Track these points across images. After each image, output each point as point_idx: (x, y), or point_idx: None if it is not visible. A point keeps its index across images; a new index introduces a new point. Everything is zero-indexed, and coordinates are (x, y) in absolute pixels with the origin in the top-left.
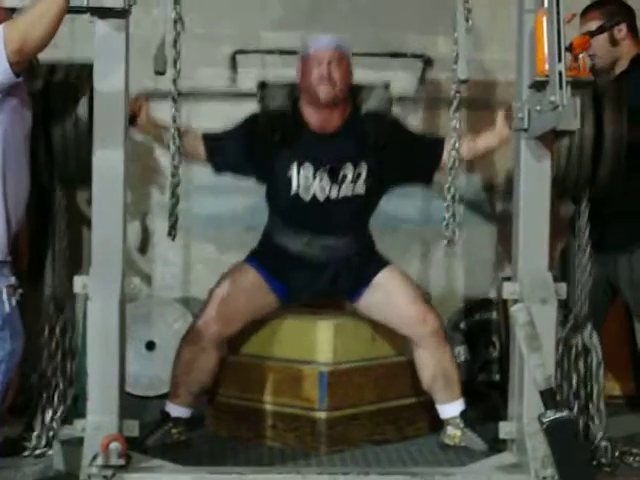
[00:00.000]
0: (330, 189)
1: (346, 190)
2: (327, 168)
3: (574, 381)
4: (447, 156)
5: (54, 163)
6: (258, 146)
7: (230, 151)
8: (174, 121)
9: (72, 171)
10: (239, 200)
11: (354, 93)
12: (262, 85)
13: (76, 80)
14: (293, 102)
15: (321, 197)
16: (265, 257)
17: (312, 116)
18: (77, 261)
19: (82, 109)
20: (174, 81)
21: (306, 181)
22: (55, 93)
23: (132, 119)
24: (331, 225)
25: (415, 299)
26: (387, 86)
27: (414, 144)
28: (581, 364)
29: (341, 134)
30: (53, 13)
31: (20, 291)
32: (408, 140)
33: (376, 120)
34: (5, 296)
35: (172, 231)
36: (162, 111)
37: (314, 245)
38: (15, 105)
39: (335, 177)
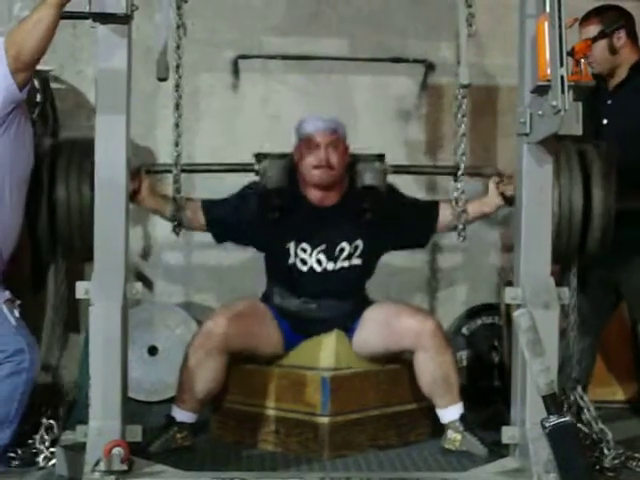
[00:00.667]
0: (327, 262)
1: (343, 262)
2: (324, 248)
3: None
4: (445, 219)
5: (57, 238)
6: (256, 218)
7: (229, 223)
8: (177, 127)
9: (76, 247)
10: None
11: (350, 166)
12: (259, 157)
13: (79, 157)
14: (291, 174)
15: (318, 269)
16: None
17: (310, 193)
18: (79, 267)
19: (85, 185)
20: (177, 87)
21: (303, 255)
22: (59, 172)
23: (132, 195)
24: (328, 290)
25: (409, 311)
26: (382, 157)
27: (410, 212)
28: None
29: (338, 210)
30: (46, 21)
31: (19, 302)
32: (404, 209)
33: (372, 194)
34: (6, 311)
35: (176, 228)
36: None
37: (311, 304)
38: (16, 136)
39: (332, 254)
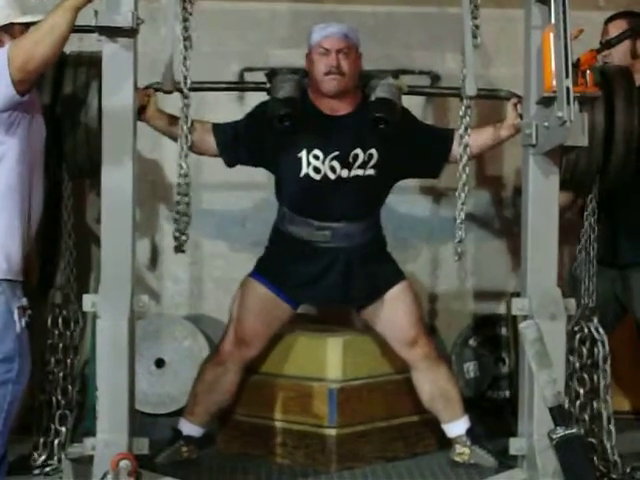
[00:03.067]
0: (341, 170)
1: (357, 171)
2: (337, 154)
3: (577, 373)
4: (457, 149)
5: (63, 153)
6: (268, 134)
7: (241, 144)
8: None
9: (81, 161)
10: (249, 216)
11: (363, 81)
12: (271, 74)
13: (86, 70)
14: (303, 89)
15: (332, 177)
16: (272, 265)
17: (322, 103)
18: (86, 279)
19: (92, 99)
20: (185, 96)
21: (316, 163)
22: (65, 84)
23: (140, 111)
24: (342, 207)
25: (413, 322)
26: (396, 76)
27: (423, 136)
28: (585, 352)
29: (351, 119)
30: (59, 32)
31: (29, 312)
32: (418, 131)
33: (386, 107)
34: (16, 316)
35: (179, 246)
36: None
37: (324, 230)
38: (30, 121)
39: (345, 160)
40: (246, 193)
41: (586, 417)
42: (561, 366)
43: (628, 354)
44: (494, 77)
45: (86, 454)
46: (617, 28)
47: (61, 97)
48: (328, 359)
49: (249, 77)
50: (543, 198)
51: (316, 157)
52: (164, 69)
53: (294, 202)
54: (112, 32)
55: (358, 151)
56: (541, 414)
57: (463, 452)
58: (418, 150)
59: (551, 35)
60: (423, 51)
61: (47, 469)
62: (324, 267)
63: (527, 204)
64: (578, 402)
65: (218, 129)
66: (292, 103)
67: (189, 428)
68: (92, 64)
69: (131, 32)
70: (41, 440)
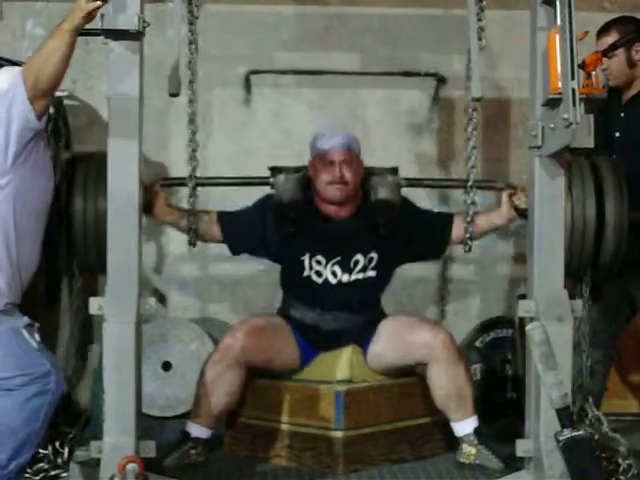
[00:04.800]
0: (342, 274)
1: (357, 275)
2: (338, 259)
3: None
4: (460, 232)
5: (74, 253)
6: (271, 231)
7: (245, 235)
8: (191, 142)
9: (92, 261)
10: None
11: (364, 180)
12: (275, 170)
13: (95, 171)
14: (305, 188)
15: (333, 281)
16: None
17: (324, 207)
18: (93, 283)
19: (102, 200)
20: (190, 102)
21: (318, 267)
22: (76, 184)
23: (147, 208)
24: (343, 303)
25: (422, 323)
26: (395, 171)
27: (425, 224)
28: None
29: (352, 223)
30: (60, 54)
31: (38, 325)
32: (419, 221)
33: (386, 207)
34: (27, 335)
35: (192, 240)
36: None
37: (326, 317)
38: (35, 163)
39: (347, 266)
40: (252, 197)
41: None
42: (567, 368)
43: (636, 355)
44: (500, 79)
45: (93, 457)
46: (611, 38)
47: (72, 197)
48: (336, 361)
49: (255, 79)
50: (549, 199)
51: (318, 262)
52: (170, 72)
53: (297, 295)
54: (118, 35)
55: (359, 257)
56: (548, 416)
57: (469, 452)
58: (419, 239)
59: (557, 37)
60: (429, 53)
61: (54, 473)
62: (327, 341)
63: (533, 206)
64: None
65: (223, 219)
66: (296, 207)
67: (196, 430)
68: (101, 164)
69: (137, 35)
70: (48, 449)
